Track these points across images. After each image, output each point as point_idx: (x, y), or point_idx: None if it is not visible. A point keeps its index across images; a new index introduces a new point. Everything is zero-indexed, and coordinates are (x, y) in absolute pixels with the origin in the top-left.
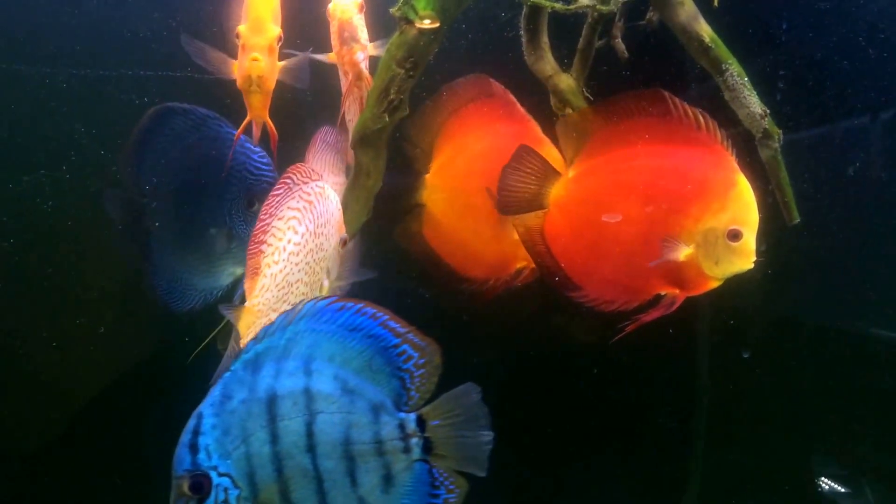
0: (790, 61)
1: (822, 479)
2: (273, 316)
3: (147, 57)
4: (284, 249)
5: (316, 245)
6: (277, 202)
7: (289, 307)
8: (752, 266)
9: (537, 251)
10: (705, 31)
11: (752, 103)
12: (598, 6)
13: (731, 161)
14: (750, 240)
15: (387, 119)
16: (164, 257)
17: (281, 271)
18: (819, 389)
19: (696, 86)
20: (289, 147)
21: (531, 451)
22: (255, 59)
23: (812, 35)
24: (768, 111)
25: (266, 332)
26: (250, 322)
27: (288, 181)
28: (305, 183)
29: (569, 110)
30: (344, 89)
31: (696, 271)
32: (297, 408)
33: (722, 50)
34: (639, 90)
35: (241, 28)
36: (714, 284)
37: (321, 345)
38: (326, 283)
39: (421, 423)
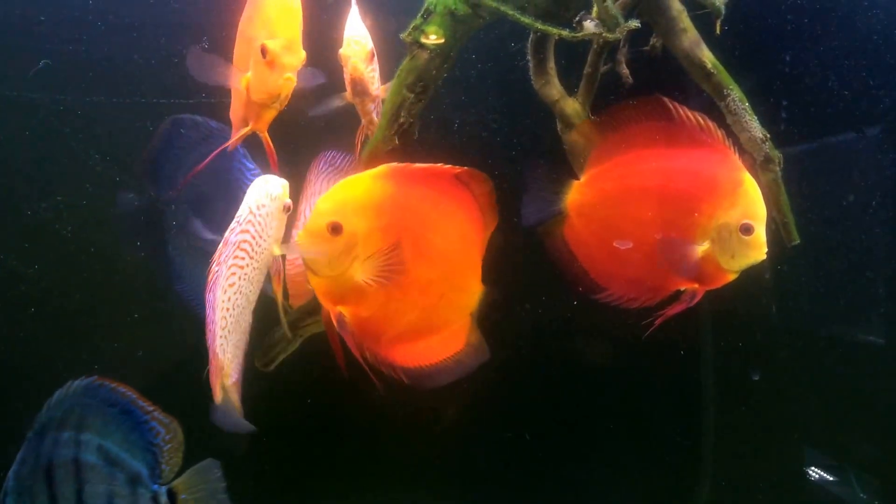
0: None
1: (812, 468)
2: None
3: (159, 83)
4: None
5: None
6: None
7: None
8: (765, 257)
9: (562, 257)
10: (707, 57)
11: (753, 128)
12: (604, 34)
13: (736, 159)
14: (761, 232)
15: (396, 141)
16: (183, 263)
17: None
18: (809, 388)
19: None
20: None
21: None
22: (289, 79)
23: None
24: (769, 136)
25: (48, 403)
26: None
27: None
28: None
29: (574, 134)
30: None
31: (714, 266)
32: (68, 476)
33: (724, 75)
34: (639, 98)
35: (271, 44)
36: (731, 277)
37: (88, 417)
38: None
39: (172, 495)
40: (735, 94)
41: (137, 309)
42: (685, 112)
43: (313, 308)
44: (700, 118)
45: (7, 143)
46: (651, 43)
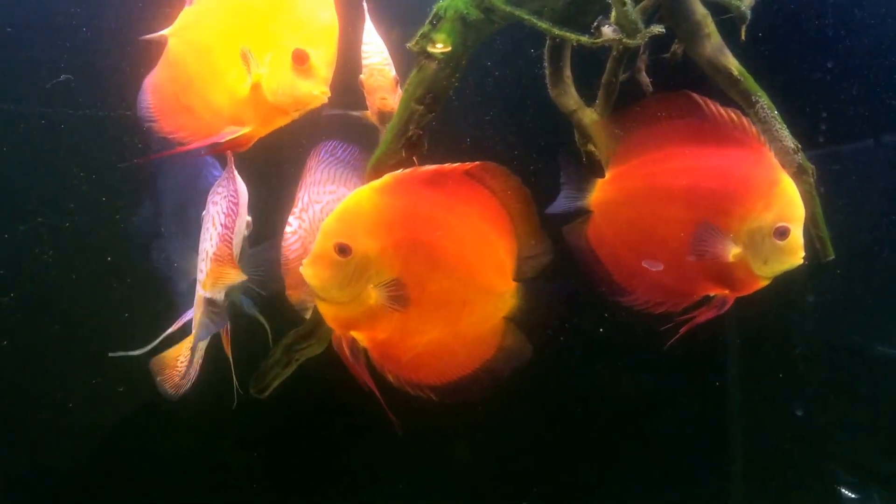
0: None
1: (838, 486)
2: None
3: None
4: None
5: (239, 227)
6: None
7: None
8: (801, 262)
9: (584, 258)
10: (733, 63)
11: (784, 137)
12: (624, 40)
13: (772, 158)
14: (797, 235)
15: (403, 155)
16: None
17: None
18: (831, 403)
19: None
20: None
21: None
22: (325, 93)
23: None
24: (800, 146)
25: None
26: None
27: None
28: (233, 171)
29: (591, 146)
30: None
31: (746, 271)
32: None
33: (750, 83)
34: (667, 93)
35: (313, 53)
36: (764, 283)
37: None
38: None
39: None
40: (764, 102)
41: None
42: (716, 107)
43: (309, 331)
44: (733, 114)
45: None
46: (672, 49)
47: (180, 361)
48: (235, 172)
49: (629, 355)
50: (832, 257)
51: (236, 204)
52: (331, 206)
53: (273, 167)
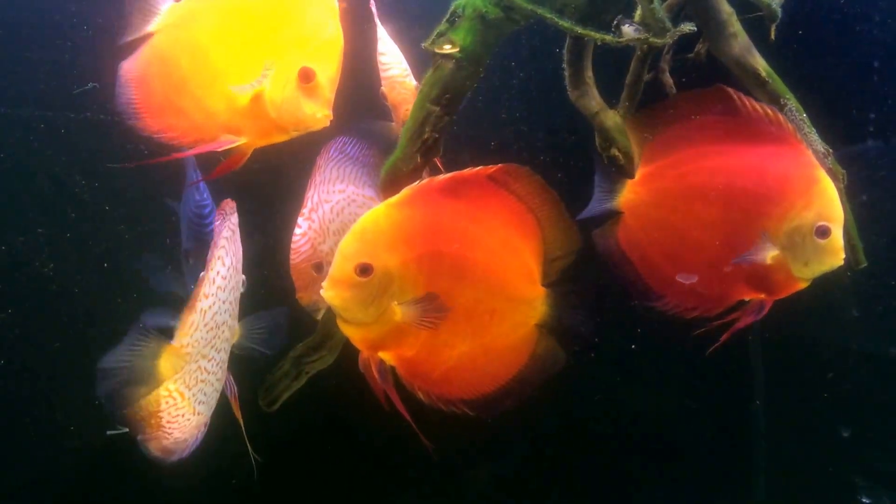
0: None
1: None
2: (203, 364)
3: None
4: (213, 282)
5: (235, 283)
6: (217, 231)
7: (216, 353)
8: (842, 263)
9: (614, 261)
10: (760, 64)
11: (814, 141)
12: (650, 39)
13: (810, 156)
14: (838, 235)
15: (419, 159)
16: None
17: (210, 307)
18: (842, 407)
19: None
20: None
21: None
22: (327, 117)
23: None
24: (831, 150)
25: None
26: (176, 365)
27: (223, 213)
28: (232, 215)
29: (614, 150)
30: None
31: (785, 274)
32: None
33: (778, 84)
34: (700, 88)
35: (320, 73)
36: (803, 286)
37: None
38: (237, 326)
39: None
40: (792, 105)
41: None
42: (750, 102)
43: (319, 342)
44: (768, 110)
45: None
46: (696, 49)
47: (165, 420)
48: (232, 219)
49: (652, 367)
50: (864, 265)
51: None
52: (340, 206)
53: (280, 162)
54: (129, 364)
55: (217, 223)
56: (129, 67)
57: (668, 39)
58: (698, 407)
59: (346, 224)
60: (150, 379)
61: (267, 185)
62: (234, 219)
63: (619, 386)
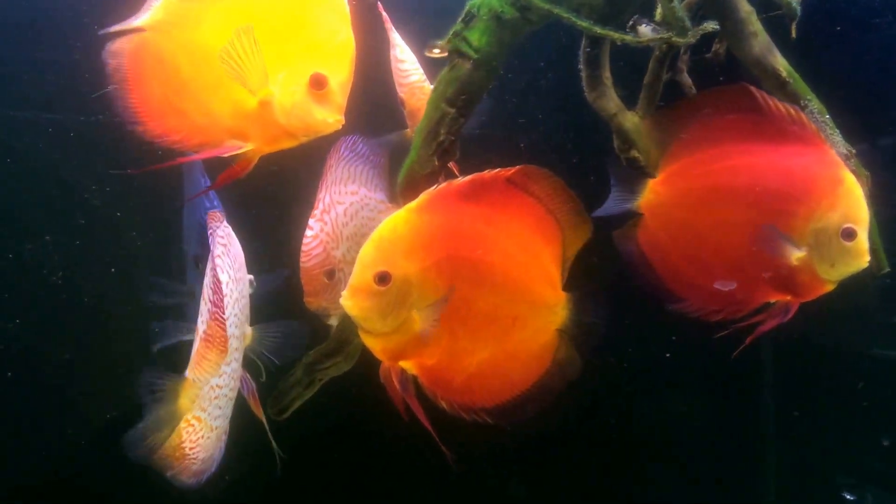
0: None
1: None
2: (215, 381)
3: None
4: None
5: (238, 293)
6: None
7: (227, 367)
8: (867, 265)
9: (635, 263)
10: (781, 64)
11: (837, 142)
12: (673, 38)
13: (834, 155)
14: (864, 237)
15: (436, 162)
16: None
17: None
18: (828, 407)
19: None
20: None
21: None
22: (339, 121)
23: None
24: (854, 151)
25: None
26: (194, 396)
27: (210, 230)
28: (218, 227)
29: (634, 152)
30: None
31: (811, 275)
32: None
33: (800, 85)
34: (722, 86)
35: (332, 79)
36: (829, 288)
37: None
38: (248, 331)
39: None
40: (814, 106)
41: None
42: (774, 102)
43: (334, 348)
44: (792, 109)
45: None
46: (714, 49)
47: (189, 448)
48: (220, 233)
49: (662, 370)
50: (887, 270)
51: (218, 281)
52: (354, 209)
53: (286, 161)
54: (153, 419)
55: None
56: (122, 66)
57: (691, 39)
58: (708, 410)
59: (359, 229)
60: (173, 420)
61: (274, 184)
62: (223, 229)
63: (628, 389)
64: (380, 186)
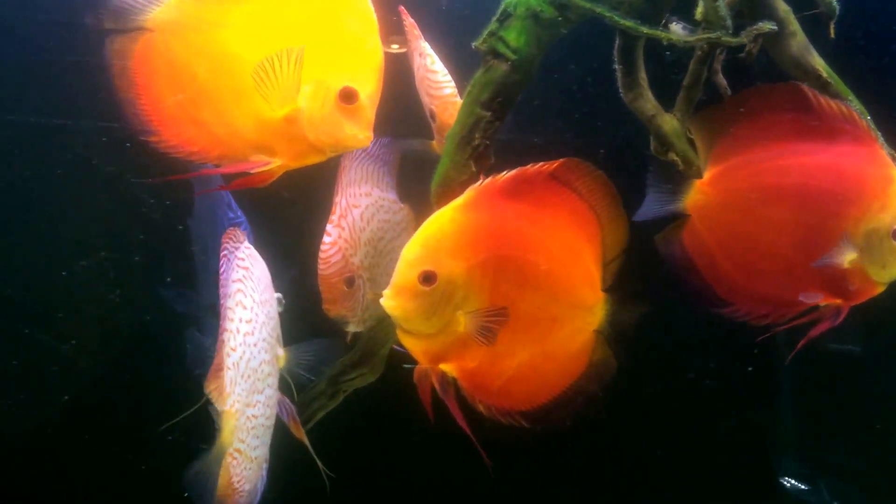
0: None
1: (786, 477)
2: (250, 412)
3: None
4: (238, 331)
5: (266, 316)
6: (224, 279)
7: (260, 395)
8: None
9: (679, 266)
10: (820, 64)
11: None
12: (723, 38)
13: (884, 154)
14: None
15: (472, 168)
16: None
17: (242, 357)
18: (785, 400)
19: None
20: None
21: None
22: (368, 138)
23: None
24: (895, 153)
25: None
26: (232, 427)
27: (226, 251)
28: (238, 248)
29: (672, 155)
30: None
31: (862, 278)
32: None
33: (840, 86)
34: (772, 83)
35: (362, 93)
36: (879, 290)
37: None
38: (281, 352)
39: None
40: (855, 107)
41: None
42: (825, 100)
43: (359, 359)
44: (843, 107)
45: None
46: (747, 49)
47: (237, 482)
48: (239, 255)
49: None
50: None
51: (224, 305)
52: (370, 212)
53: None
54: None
55: (222, 269)
56: (128, 70)
57: (743, 39)
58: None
59: (376, 233)
60: (221, 455)
61: (288, 188)
62: (243, 250)
63: (647, 387)
64: (390, 185)
